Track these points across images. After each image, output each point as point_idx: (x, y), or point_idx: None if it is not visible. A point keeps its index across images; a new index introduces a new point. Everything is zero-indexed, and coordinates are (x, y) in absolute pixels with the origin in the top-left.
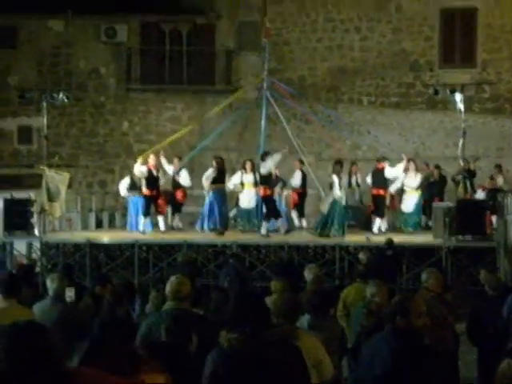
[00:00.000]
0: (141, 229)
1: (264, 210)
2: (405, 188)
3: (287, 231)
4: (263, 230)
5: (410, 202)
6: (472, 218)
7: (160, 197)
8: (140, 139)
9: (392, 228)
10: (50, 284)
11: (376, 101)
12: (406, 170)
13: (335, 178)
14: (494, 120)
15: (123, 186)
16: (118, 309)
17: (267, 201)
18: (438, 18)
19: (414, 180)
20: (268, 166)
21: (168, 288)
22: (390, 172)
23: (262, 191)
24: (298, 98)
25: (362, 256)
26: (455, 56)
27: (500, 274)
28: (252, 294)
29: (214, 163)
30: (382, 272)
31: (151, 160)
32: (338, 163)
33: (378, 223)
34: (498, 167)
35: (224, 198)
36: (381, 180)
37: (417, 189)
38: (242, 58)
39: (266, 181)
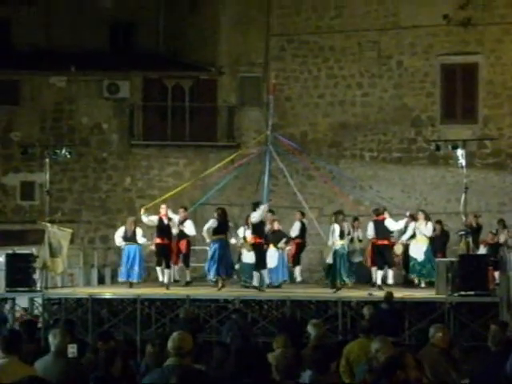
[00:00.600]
0: (165, 280)
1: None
2: (417, 235)
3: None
4: (255, 282)
5: (420, 250)
6: (474, 274)
7: (172, 247)
8: (142, 194)
9: (403, 281)
10: (52, 340)
11: (378, 156)
12: (411, 221)
13: (336, 227)
14: (495, 175)
15: (118, 235)
16: (113, 365)
17: (257, 250)
18: (439, 73)
19: (425, 228)
20: (258, 216)
21: (170, 344)
22: (390, 223)
23: (252, 239)
24: (301, 153)
25: (365, 311)
26: (457, 112)
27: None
28: (254, 349)
29: (216, 214)
30: (386, 327)
31: (162, 209)
32: (339, 213)
33: (381, 275)
34: (502, 222)
35: (227, 248)
36: (384, 231)
37: (429, 237)
38: (244, 113)
39: (257, 230)
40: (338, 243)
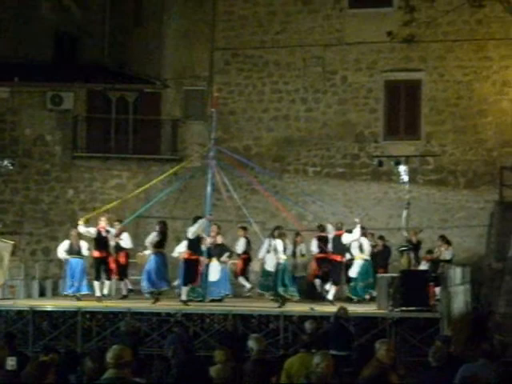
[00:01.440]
0: (98, 294)
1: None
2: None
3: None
4: (183, 296)
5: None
6: (415, 290)
7: (111, 259)
8: (85, 207)
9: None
10: None
11: (321, 171)
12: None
13: (279, 242)
14: (437, 192)
15: (62, 248)
16: (45, 378)
17: (188, 265)
18: (383, 89)
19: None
20: (193, 231)
21: (109, 355)
22: (347, 238)
23: (186, 255)
24: (245, 167)
25: (308, 325)
26: (400, 128)
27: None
28: (195, 363)
29: (158, 227)
30: (337, 341)
31: (102, 221)
32: (278, 228)
33: (334, 290)
34: (443, 238)
35: (164, 261)
36: (340, 246)
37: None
38: (188, 126)
39: (192, 245)
40: (282, 257)
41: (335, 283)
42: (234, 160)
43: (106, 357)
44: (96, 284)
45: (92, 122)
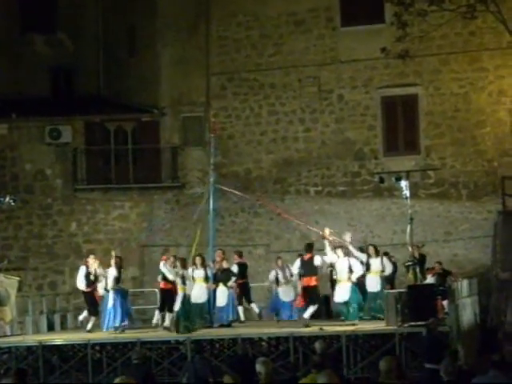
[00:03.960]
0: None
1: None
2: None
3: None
4: (167, 321)
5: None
6: (423, 304)
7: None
8: (89, 239)
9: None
10: None
11: (323, 191)
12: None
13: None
14: (440, 205)
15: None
16: None
17: (166, 295)
18: (380, 106)
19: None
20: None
21: None
22: (318, 260)
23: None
24: (245, 191)
25: (317, 345)
26: (399, 143)
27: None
28: None
29: (113, 262)
30: (338, 361)
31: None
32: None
33: (312, 309)
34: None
35: (126, 296)
36: (311, 269)
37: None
38: (188, 153)
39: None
40: None
41: (313, 304)
42: (235, 185)
43: None
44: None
45: (91, 154)
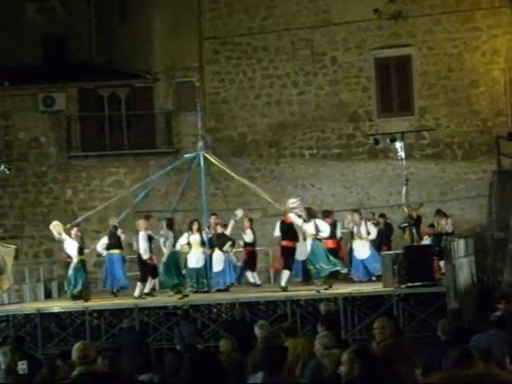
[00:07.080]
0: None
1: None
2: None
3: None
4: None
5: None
6: (420, 265)
7: None
8: (84, 206)
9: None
10: (2, 358)
11: (318, 154)
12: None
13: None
14: (435, 166)
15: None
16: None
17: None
18: (374, 67)
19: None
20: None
21: (75, 354)
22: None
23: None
24: (240, 155)
25: (322, 307)
26: (393, 104)
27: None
28: (206, 354)
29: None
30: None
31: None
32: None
33: (287, 276)
34: (439, 212)
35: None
36: (291, 232)
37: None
38: (182, 118)
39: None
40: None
41: (288, 268)
42: (230, 148)
43: (72, 355)
44: None
45: (85, 121)
